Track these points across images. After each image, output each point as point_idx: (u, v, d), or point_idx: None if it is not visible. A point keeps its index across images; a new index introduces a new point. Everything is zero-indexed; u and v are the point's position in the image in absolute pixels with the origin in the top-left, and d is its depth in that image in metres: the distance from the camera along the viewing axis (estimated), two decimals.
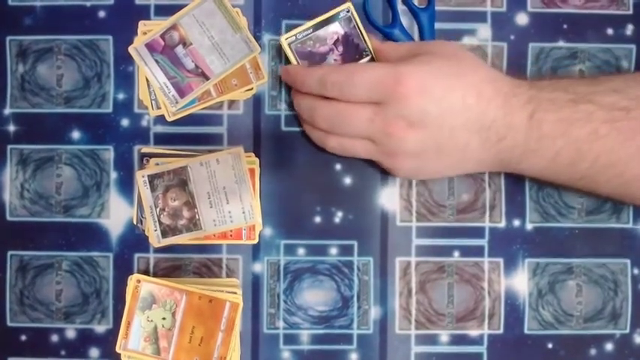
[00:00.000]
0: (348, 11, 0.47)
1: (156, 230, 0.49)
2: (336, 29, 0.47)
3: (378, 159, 0.46)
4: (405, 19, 0.51)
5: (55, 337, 0.51)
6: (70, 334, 0.51)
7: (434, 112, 0.42)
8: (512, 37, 0.51)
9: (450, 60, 0.44)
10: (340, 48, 0.47)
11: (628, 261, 0.51)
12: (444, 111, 0.42)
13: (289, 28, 0.50)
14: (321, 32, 0.47)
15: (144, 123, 0.51)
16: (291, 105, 0.51)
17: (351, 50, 0.47)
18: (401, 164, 0.45)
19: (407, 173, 0.47)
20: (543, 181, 0.46)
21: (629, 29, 0.51)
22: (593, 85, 0.43)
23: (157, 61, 0.49)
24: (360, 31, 0.47)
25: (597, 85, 0.43)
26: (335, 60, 0.47)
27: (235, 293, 0.48)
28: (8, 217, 0.51)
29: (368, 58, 0.48)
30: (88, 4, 0.51)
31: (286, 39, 0.47)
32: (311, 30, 0.47)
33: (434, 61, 0.43)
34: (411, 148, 0.43)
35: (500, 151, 0.43)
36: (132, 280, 0.48)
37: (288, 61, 0.48)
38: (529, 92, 0.43)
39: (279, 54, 0.51)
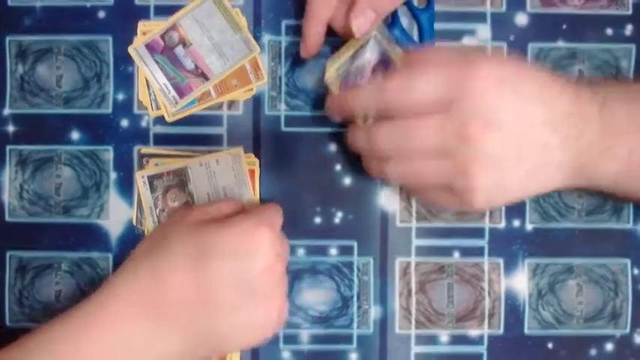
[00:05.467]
0: (375, 37, 0.45)
1: None
2: (371, 56, 0.45)
3: (451, 180, 0.39)
4: (405, 20, 0.51)
5: None
6: None
7: (511, 106, 0.38)
8: (511, 38, 0.51)
9: (507, 60, 0.41)
10: (381, 68, 0.44)
11: (628, 261, 0.51)
12: (521, 104, 0.39)
13: (289, 28, 0.50)
14: (359, 62, 0.45)
15: (143, 123, 0.51)
16: (291, 105, 0.51)
17: (390, 67, 0.45)
18: (479, 178, 0.39)
19: (485, 192, 0.39)
20: (615, 192, 0.44)
21: (629, 29, 0.51)
22: None
23: (156, 62, 0.49)
24: (390, 47, 0.45)
25: None
26: None
27: None
28: (7, 218, 0.50)
29: None
30: (88, 4, 0.50)
31: (336, 70, 0.44)
32: (351, 60, 0.45)
33: (494, 58, 0.41)
34: (491, 153, 0.38)
35: (579, 151, 0.40)
36: None
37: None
38: (590, 88, 0.41)
39: (278, 54, 0.51)
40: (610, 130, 0.40)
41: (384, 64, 0.45)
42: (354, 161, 0.50)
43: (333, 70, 0.45)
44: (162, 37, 0.49)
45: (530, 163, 0.39)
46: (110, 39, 0.50)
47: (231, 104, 0.51)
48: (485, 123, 0.38)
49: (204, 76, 0.49)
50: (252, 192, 0.49)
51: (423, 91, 0.39)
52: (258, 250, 0.41)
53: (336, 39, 0.47)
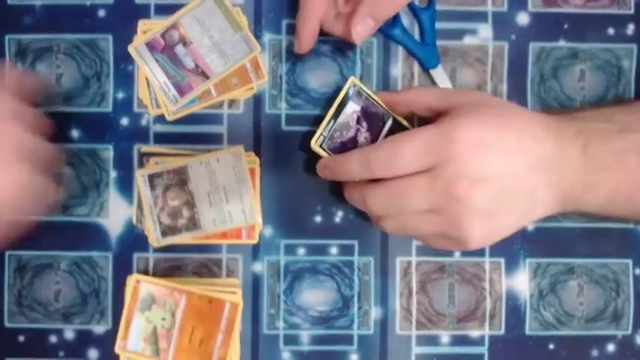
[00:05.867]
0: (354, 86, 0.46)
1: (155, 230, 0.49)
2: (353, 108, 0.46)
3: (446, 231, 0.41)
4: (406, 19, 0.51)
5: (53, 338, 0.50)
6: (69, 334, 0.50)
7: (495, 162, 0.40)
8: (513, 37, 0.51)
9: (489, 108, 0.42)
10: (364, 124, 0.46)
11: (630, 261, 0.51)
12: (505, 158, 0.40)
13: (289, 27, 0.50)
14: (341, 119, 0.46)
15: (143, 122, 0.50)
16: (291, 104, 0.51)
17: (374, 119, 0.46)
18: (472, 229, 0.40)
19: (480, 239, 0.41)
20: (605, 216, 0.45)
21: (630, 29, 0.51)
22: (631, 113, 0.43)
23: (156, 60, 0.49)
24: (373, 98, 0.47)
25: (634, 113, 0.43)
26: (365, 138, 0.46)
27: (235, 293, 0.48)
28: None
29: (390, 119, 0.47)
30: (88, 3, 0.50)
31: (316, 142, 0.46)
32: (332, 121, 0.46)
33: (476, 111, 0.41)
34: (481, 206, 0.40)
35: (564, 189, 0.41)
36: (131, 280, 0.48)
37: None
38: (574, 125, 0.42)
39: (279, 53, 0.51)
40: (593, 168, 0.41)
41: (367, 118, 0.46)
42: None
43: (317, 133, 0.46)
44: (163, 35, 0.49)
45: (519, 207, 0.41)
46: (110, 38, 0.50)
47: (232, 103, 0.51)
48: (472, 182, 0.39)
49: (204, 75, 0.49)
50: (252, 191, 0.49)
51: (408, 162, 0.40)
52: None
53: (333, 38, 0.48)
